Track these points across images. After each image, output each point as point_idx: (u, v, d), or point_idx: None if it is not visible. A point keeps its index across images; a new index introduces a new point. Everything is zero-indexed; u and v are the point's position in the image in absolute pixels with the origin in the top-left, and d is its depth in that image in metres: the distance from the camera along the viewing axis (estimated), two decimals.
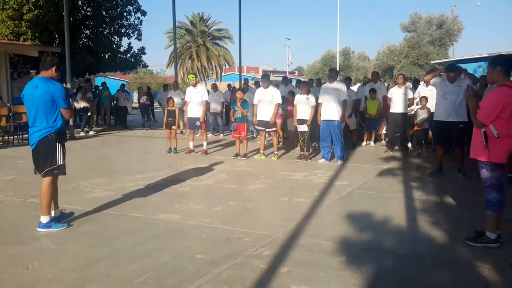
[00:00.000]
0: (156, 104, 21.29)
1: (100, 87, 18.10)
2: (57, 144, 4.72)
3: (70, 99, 13.77)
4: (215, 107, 13.91)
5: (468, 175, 7.09)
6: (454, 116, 7.08)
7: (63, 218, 4.98)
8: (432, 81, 7.61)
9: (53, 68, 4.71)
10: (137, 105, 19.69)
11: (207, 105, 10.48)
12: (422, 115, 9.99)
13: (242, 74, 22.30)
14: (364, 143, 11.45)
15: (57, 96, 4.61)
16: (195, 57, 46.59)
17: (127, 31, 20.27)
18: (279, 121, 10.85)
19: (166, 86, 17.99)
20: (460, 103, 7.05)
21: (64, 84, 4.93)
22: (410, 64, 35.68)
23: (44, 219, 4.73)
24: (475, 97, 4.37)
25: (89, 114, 15.21)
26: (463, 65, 11.02)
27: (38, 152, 4.70)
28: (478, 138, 4.14)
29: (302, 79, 17.39)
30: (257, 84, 13.68)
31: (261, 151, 9.75)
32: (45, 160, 4.69)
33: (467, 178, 7.09)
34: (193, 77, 10.55)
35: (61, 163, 4.78)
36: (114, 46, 19.88)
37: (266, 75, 10.34)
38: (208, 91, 11.90)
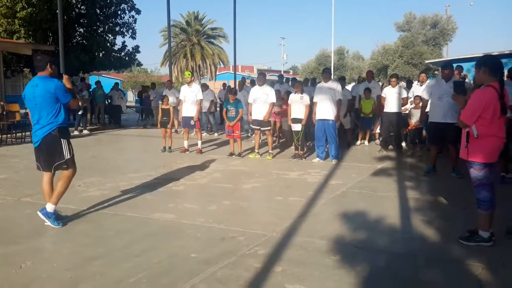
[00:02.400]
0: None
1: (94, 86, 18.02)
2: (61, 139, 4.79)
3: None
4: (205, 105, 13.88)
5: (461, 174, 7.13)
6: (450, 117, 7.11)
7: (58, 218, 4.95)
8: (427, 82, 7.66)
9: (48, 66, 4.78)
10: (132, 103, 19.63)
11: (201, 104, 10.46)
12: (416, 114, 10.03)
13: (237, 73, 22.30)
14: (358, 142, 11.48)
15: (58, 93, 4.69)
16: (189, 56, 46.51)
17: (122, 30, 20.21)
18: (278, 120, 10.86)
19: (154, 85, 18.00)
20: (455, 104, 7.05)
21: (63, 76, 5.01)
22: (404, 64, 35.81)
23: (50, 207, 4.78)
24: (462, 97, 4.42)
25: (80, 112, 15.11)
26: (457, 65, 11.08)
27: (42, 149, 4.78)
28: (463, 138, 4.22)
29: (298, 78, 17.41)
30: (252, 83, 13.68)
31: (256, 150, 9.75)
32: (52, 156, 4.77)
33: (460, 177, 7.13)
34: (189, 74, 10.53)
35: (69, 157, 4.85)
36: (108, 44, 19.81)
37: (262, 73, 10.34)
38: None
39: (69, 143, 4.89)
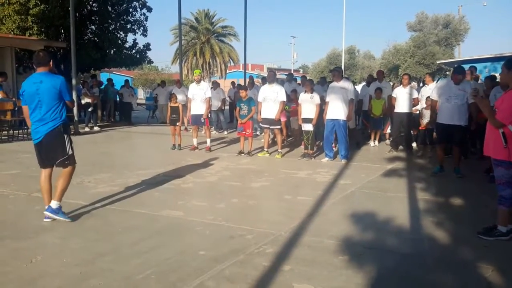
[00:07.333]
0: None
1: (105, 83, 18.17)
2: (65, 135, 4.84)
3: (74, 94, 13.91)
4: (215, 104, 13.89)
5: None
6: (457, 120, 7.14)
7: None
8: (438, 83, 7.67)
9: (51, 62, 4.87)
10: (142, 101, 19.80)
11: (210, 101, 10.49)
12: (427, 115, 9.95)
13: (247, 71, 22.27)
14: (372, 143, 11.32)
15: (64, 89, 4.77)
16: (199, 54, 46.56)
17: (133, 27, 20.30)
18: (283, 119, 10.83)
19: (164, 83, 18.15)
20: (462, 106, 7.11)
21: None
22: (415, 64, 35.52)
23: (55, 204, 4.82)
24: (487, 100, 4.51)
25: (90, 109, 15.20)
26: (469, 66, 11.00)
27: (45, 145, 4.79)
28: (498, 138, 4.26)
29: (308, 77, 17.31)
30: (263, 81, 13.69)
31: (265, 149, 9.74)
32: (55, 153, 4.81)
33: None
34: (199, 72, 10.58)
35: (71, 153, 4.91)
36: (120, 42, 19.93)
37: (272, 71, 10.30)
38: None
39: (70, 140, 4.95)
